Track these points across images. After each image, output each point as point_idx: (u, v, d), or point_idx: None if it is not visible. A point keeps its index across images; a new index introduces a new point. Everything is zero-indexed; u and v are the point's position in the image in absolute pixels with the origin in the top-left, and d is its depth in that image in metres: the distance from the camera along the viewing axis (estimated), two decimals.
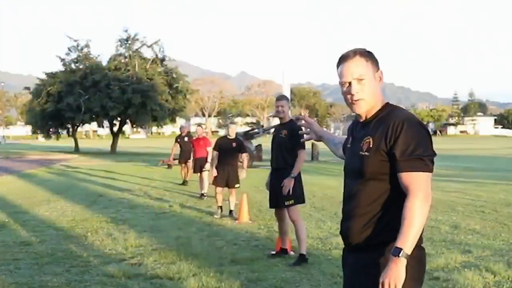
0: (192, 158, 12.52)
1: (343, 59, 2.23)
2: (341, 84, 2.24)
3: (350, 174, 2.27)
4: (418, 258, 2.07)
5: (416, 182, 2.04)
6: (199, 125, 13.80)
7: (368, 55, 2.23)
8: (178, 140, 15.26)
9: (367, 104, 2.20)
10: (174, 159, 15.95)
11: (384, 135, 2.11)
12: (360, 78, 2.18)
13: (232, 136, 9.67)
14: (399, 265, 1.98)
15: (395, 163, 2.08)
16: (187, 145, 15.09)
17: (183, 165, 15.26)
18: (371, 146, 2.15)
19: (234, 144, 9.51)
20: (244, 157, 9.61)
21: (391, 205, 2.12)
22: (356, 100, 2.20)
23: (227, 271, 5.46)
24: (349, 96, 2.21)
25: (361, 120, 2.27)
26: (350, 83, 2.20)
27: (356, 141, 2.27)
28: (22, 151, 41.48)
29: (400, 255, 1.98)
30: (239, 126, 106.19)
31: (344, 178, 2.35)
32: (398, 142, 2.07)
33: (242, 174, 9.47)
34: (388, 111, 2.20)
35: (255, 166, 22.31)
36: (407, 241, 1.99)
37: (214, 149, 9.68)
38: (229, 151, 9.44)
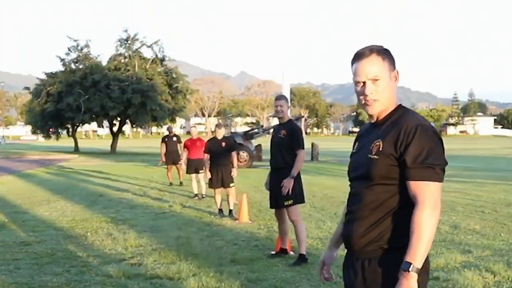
0: (185, 158, 12.48)
1: (358, 56, 2.12)
2: (355, 82, 2.14)
3: (357, 176, 2.18)
4: (423, 266, 1.98)
5: (424, 192, 1.96)
6: (194, 126, 13.89)
7: (384, 53, 2.12)
8: (166, 140, 15.25)
9: (381, 106, 2.12)
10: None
11: (395, 140, 2.03)
12: (375, 78, 2.08)
13: (220, 136, 9.68)
14: (410, 280, 1.92)
15: (404, 170, 2.00)
16: (174, 146, 15.10)
17: (170, 166, 15.24)
18: (380, 149, 2.06)
19: (223, 144, 9.53)
20: (233, 155, 9.59)
21: (397, 211, 2.04)
22: (370, 101, 2.11)
23: (227, 271, 5.46)
24: (362, 97, 2.12)
25: (372, 121, 2.19)
26: (364, 82, 2.10)
27: (365, 142, 2.18)
28: (22, 151, 41.48)
29: (410, 269, 1.91)
30: (239, 126, 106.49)
31: (350, 181, 2.27)
32: (409, 149, 1.99)
33: (234, 172, 9.48)
34: (400, 114, 2.11)
35: (255, 166, 22.32)
36: (417, 255, 1.92)
37: (205, 151, 9.70)
38: (219, 152, 9.46)
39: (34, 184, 15.77)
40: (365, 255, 2.09)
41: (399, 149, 2.01)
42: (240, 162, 20.75)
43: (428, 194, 1.96)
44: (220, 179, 9.40)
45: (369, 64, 2.09)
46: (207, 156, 9.61)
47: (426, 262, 2.03)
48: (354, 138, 2.37)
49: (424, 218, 1.94)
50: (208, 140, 9.92)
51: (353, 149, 2.31)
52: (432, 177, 1.97)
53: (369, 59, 2.09)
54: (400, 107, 2.15)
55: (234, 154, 9.62)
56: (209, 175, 9.47)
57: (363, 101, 2.13)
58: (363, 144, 2.21)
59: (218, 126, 10.05)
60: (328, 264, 2.41)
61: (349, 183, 2.27)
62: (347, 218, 2.20)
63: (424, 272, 1.98)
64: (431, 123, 2.10)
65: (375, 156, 2.06)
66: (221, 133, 9.73)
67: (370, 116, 2.17)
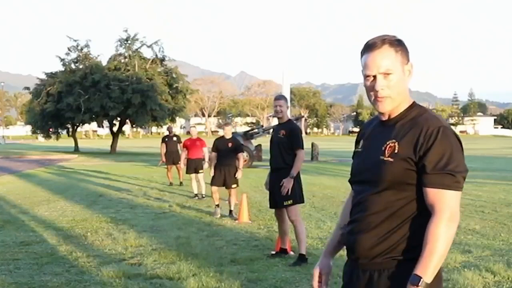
0: (184, 158, 12.51)
1: (369, 47, 1.92)
2: (364, 76, 1.94)
3: (362, 180, 1.99)
4: (437, 275, 1.84)
5: (443, 201, 1.80)
6: (193, 126, 13.94)
7: (398, 45, 1.92)
8: (166, 140, 15.28)
9: (393, 102, 1.92)
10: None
11: (414, 142, 1.84)
12: (387, 72, 1.88)
13: (228, 136, 9.65)
14: None
15: (422, 176, 1.83)
16: (174, 146, 15.15)
17: (170, 166, 15.26)
18: (396, 151, 1.87)
19: (230, 144, 9.51)
20: (239, 156, 9.57)
21: (412, 220, 1.87)
22: (380, 97, 1.91)
23: (227, 271, 5.46)
24: (372, 93, 1.92)
25: (383, 119, 1.98)
26: (375, 76, 1.90)
27: (374, 142, 1.98)
28: (22, 151, 41.47)
29: (419, 284, 1.76)
30: (239, 126, 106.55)
31: (352, 183, 2.09)
32: (429, 153, 1.81)
33: (238, 173, 9.47)
34: (417, 114, 1.92)
35: (255, 166, 22.31)
36: (427, 269, 1.77)
37: (212, 150, 9.68)
38: (225, 152, 9.45)
39: (34, 184, 15.77)
40: (374, 266, 1.91)
41: (418, 153, 1.84)
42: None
43: (446, 204, 1.80)
44: (223, 179, 9.38)
45: (380, 57, 1.89)
46: (214, 154, 9.58)
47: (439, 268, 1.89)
48: (355, 137, 2.19)
49: (441, 230, 1.79)
50: (216, 139, 9.88)
51: (356, 147, 2.12)
52: (452, 185, 1.81)
53: (381, 51, 1.89)
54: (415, 105, 1.97)
55: (240, 155, 9.57)
56: (212, 173, 9.46)
57: (373, 97, 1.93)
58: (371, 143, 2.01)
59: (226, 124, 10.02)
60: (326, 274, 2.17)
61: (351, 185, 2.10)
62: (351, 227, 2.00)
63: (436, 279, 1.83)
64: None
65: (389, 159, 1.87)
66: (229, 131, 9.70)
67: (381, 113, 1.98)
